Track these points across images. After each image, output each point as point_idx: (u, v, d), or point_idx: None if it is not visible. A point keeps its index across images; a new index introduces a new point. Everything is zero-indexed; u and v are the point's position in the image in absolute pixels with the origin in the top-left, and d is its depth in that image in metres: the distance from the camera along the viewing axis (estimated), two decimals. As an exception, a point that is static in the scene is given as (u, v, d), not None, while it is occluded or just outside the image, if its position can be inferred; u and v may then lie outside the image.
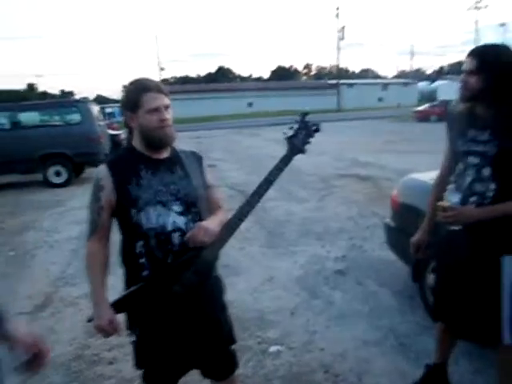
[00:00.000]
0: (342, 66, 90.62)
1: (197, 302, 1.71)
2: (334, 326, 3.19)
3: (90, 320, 1.66)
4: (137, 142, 1.71)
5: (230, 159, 12.56)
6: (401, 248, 3.45)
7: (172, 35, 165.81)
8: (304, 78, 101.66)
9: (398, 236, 3.54)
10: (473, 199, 1.85)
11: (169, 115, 1.66)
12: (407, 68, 73.27)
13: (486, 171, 1.83)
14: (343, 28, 43.96)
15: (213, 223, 1.68)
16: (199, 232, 1.62)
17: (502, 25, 52.63)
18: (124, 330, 1.73)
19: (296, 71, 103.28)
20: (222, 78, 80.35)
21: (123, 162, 1.71)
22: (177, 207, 1.67)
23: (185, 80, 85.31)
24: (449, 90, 34.94)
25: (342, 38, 44.46)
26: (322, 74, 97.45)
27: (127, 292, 1.67)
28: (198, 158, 1.84)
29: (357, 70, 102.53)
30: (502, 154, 1.79)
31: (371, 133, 18.97)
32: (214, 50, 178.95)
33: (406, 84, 57.80)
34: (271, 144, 13.91)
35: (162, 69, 56.29)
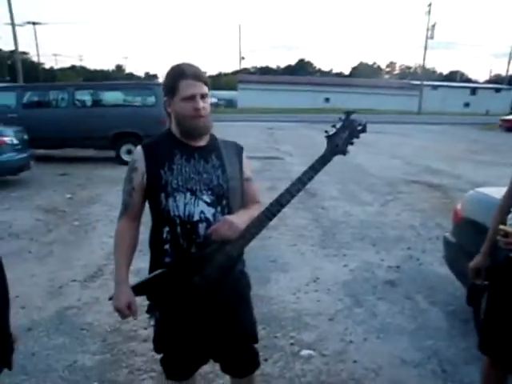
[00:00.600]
0: (428, 66, 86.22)
1: (217, 295, 1.66)
2: (372, 338, 3.01)
3: (110, 298, 1.68)
4: (174, 128, 1.68)
5: (298, 153, 12.42)
6: (458, 266, 3.17)
7: (255, 25, 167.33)
8: (386, 76, 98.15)
9: (456, 253, 3.27)
10: None
11: (205, 104, 1.61)
12: (503, 72, 67.75)
13: None
14: (434, 26, 41.55)
15: (240, 218, 1.61)
16: (223, 226, 1.56)
17: None
18: (144, 313, 1.73)
19: (379, 69, 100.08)
20: (301, 71, 79.79)
21: (159, 145, 1.68)
22: (207, 197, 1.63)
23: (264, 71, 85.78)
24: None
25: (431, 37, 42.05)
26: (405, 73, 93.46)
27: (148, 277, 1.66)
28: (238, 150, 1.78)
29: (445, 72, 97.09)
30: None
31: (451, 139, 17.86)
32: (295, 42, 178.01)
33: (498, 90, 53.78)
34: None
35: (242, 58, 57.08)
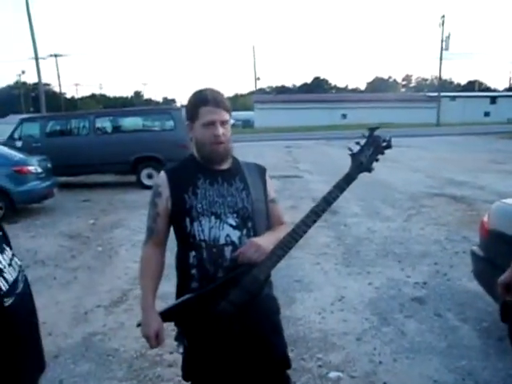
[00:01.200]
0: (445, 77, 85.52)
1: (245, 320, 1.62)
2: (402, 359, 2.92)
3: (139, 325, 1.67)
4: (196, 152, 1.70)
5: (317, 171, 12.38)
6: (488, 281, 3.06)
7: (269, 46, 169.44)
8: (403, 89, 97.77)
9: (485, 267, 3.17)
10: None
11: (224, 130, 1.61)
12: (522, 80, 66.76)
13: None
14: (448, 37, 41.36)
15: (267, 240, 1.60)
16: (250, 248, 1.55)
17: None
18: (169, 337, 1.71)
19: (395, 82, 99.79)
20: (317, 88, 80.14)
21: (182, 170, 1.69)
22: (232, 220, 1.61)
23: (280, 90, 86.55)
24: None
25: (446, 48, 41.83)
26: (422, 85, 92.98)
27: (175, 303, 1.65)
28: (261, 171, 1.78)
29: (463, 82, 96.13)
30: None
31: (472, 150, 17.54)
32: (310, 60, 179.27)
33: (518, 98, 52.85)
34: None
35: (258, 78, 57.80)
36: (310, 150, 19.89)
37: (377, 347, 3.07)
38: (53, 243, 6.02)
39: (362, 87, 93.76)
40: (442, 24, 41.46)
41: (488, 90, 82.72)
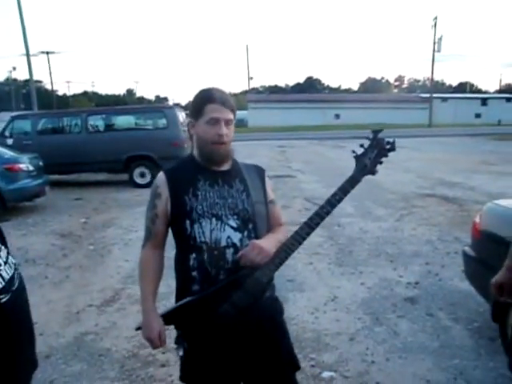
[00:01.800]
0: (437, 78, 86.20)
1: (247, 322, 1.60)
2: (395, 358, 2.93)
3: (138, 328, 1.65)
4: (196, 152, 1.67)
5: (310, 171, 12.42)
6: (480, 281, 3.09)
7: (262, 45, 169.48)
8: (395, 90, 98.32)
9: (477, 267, 3.19)
10: None
11: (227, 131, 1.60)
12: (512, 82, 67.45)
13: None
14: (440, 39, 41.57)
15: (269, 242, 1.58)
16: (253, 250, 1.52)
17: None
18: (172, 343, 1.69)
19: (387, 83, 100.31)
20: (310, 88, 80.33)
21: (181, 171, 1.67)
22: (232, 222, 1.59)
23: (273, 89, 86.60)
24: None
25: (438, 50, 42.04)
26: (414, 86, 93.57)
27: (176, 305, 1.63)
28: (260, 173, 1.76)
29: (454, 83, 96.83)
30: None
31: (463, 151, 17.68)
32: (303, 60, 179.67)
33: (509, 99, 53.40)
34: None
35: (251, 78, 57.76)
36: (302, 149, 19.92)
37: (369, 347, 3.08)
38: (44, 242, 5.97)
39: (355, 87, 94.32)
40: (435, 26, 41.70)
41: (479, 91, 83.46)
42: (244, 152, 16.24)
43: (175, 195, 1.60)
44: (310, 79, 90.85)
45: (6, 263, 1.40)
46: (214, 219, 1.58)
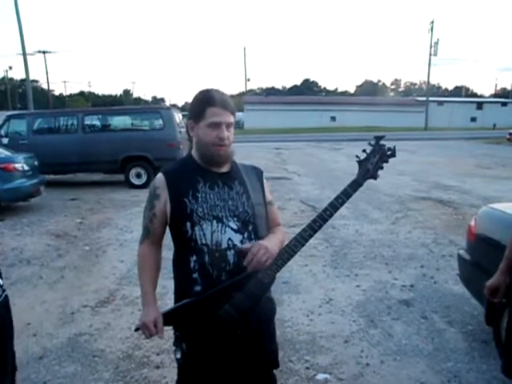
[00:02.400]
0: (433, 82, 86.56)
1: (246, 323, 1.62)
2: (389, 361, 2.94)
3: (137, 329, 1.66)
4: (195, 153, 1.67)
5: (306, 173, 12.44)
6: (474, 284, 3.11)
7: (259, 47, 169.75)
8: (392, 93, 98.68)
9: (472, 270, 3.21)
10: None
11: (228, 134, 1.60)
12: (508, 86, 67.82)
13: None
14: (436, 43, 41.81)
15: (273, 243, 1.59)
16: (259, 250, 1.52)
17: None
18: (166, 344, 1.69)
19: (384, 86, 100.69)
20: (307, 90, 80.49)
21: (181, 172, 1.66)
22: (233, 224, 1.60)
23: (270, 91, 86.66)
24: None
25: (434, 54, 42.27)
26: (411, 90, 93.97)
27: (177, 305, 1.63)
28: (258, 174, 1.77)
29: (450, 87, 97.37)
30: None
31: (459, 154, 17.78)
32: (300, 62, 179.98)
33: (504, 104, 53.71)
34: (350, 160, 13.55)
35: (248, 79, 57.81)
36: (299, 151, 19.95)
37: (364, 349, 3.09)
38: (39, 242, 5.94)
39: (352, 90, 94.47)
40: (431, 29, 41.94)
41: (475, 95, 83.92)
42: (240, 154, 16.18)
43: (175, 197, 1.60)
44: (306, 81, 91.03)
45: None
46: (214, 221, 1.59)
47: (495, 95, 76.42)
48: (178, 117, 10.77)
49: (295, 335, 3.31)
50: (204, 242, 1.58)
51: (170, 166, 1.72)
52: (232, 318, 1.58)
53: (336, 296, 4.03)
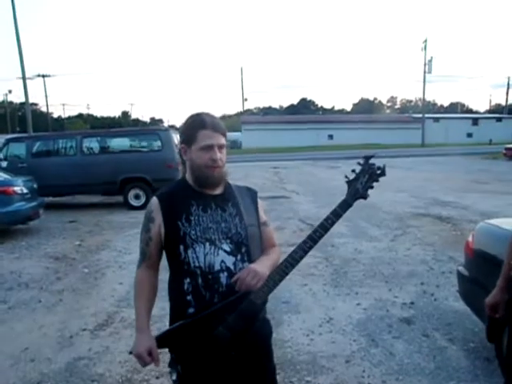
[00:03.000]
0: (429, 99, 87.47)
1: (240, 345, 1.62)
2: (391, 380, 2.91)
3: (131, 352, 1.64)
4: (189, 176, 1.70)
5: (304, 191, 12.47)
6: (474, 301, 3.10)
7: (256, 67, 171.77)
8: (388, 111, 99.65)
9: (471, 287, 3.20)
10: None
11: (221, 155, 1.63)
12: (502, 102, 68.60)
13: None
14: (430, 61, 42.46)
15: (263, 265, 1.60)
16: (247, 275, 1.54)
17: None
18: (166, 366, 1.68)
19: (380, 104, 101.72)
20: (304, 109, 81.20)
21: (175, 196, 1.68)
22: (226, 246, 1.62)
23: (267, 111, 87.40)
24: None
25: (429, 72, 42.89)
26: (407, 107, 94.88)
27: (171, 328, 1.64)
28: (252, 195, 1.79)
29: (445, 104, 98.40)
30: None
31: (456, 170, 17.87)
32: (296, 81, 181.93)
33: (499, 119, 54.24)
34: (349, 176, 13.33)
35: (245, 99, 58.36)
36: (296, 170, 20.03)
37: (366, 369, 3.06)
38: (38, 265, 5.91)
39: (348, 108, 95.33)
40: (425, 48, 42.63)
41: (470, 111, 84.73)
42: (239, 173, 16.31)
43: (168, 220, 1.62)
44: (303, 100, 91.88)
45: None
46: (207, 244, 1.60)
47: (490, 111, 77.20)
48: (177, 138, 10.84)
49: (295, 355, 3.28)
50: (197, 264, 1.59)
51: (164, 190, 1.74)
52: (225, 339, 1.58)
53: (336, 315, 4.00)
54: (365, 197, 1.59)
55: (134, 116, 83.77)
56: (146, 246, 1.68)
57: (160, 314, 3.34)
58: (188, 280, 1.60)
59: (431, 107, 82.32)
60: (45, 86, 69.58)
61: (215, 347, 1.59)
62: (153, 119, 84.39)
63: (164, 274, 1.73)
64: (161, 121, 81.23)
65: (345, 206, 1.58)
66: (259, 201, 1.80)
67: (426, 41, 42.69)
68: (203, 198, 1.65)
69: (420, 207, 9.38)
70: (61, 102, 73.44)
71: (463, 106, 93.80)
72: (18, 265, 5.93)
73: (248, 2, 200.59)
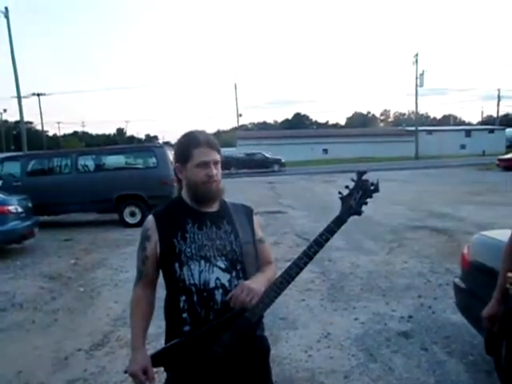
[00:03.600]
0: (422, 111, 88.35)
1: (236, 364, 1.60)
2: (391, 396, 2.88)
3: (126, 371, 1.63)
4: (185, 194, 1.71)
5: (300, 206, 12.48)
6: (471, 313, 3.09)
7: (250, 83, 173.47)
8: (381, 124, 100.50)
9: (468, 299, 3.20)
10: None
11: (217, 171, 1.64)
12: (494, 113, 69.46)
13: None
14: (422, 75, 43.01)
15: (258, 282, 1.60)
16: (242, 292, 1.54)
17: None
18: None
19: (373, 117, 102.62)
20: (298, 124, 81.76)
21: (170, 213, 1.69)
22: (221, 263, 1.62)
23: (262, 126, 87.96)
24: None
25: (420, 85, 43.42)
26: (400, 120, 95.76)
27: (166, 346, 1.62)
28: (248, 212, 1.79)
29: (438, 116, 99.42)
30: None
31: (450, 182, 17.96)
32: (291, 97, 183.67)
33: (491, 131, 54.80)
34: (343, 192, 13.39)
35: (240, 115, 58.68)
36: (292, 185, 20.07)
37: (365, 385, 3.03)
38: (32, 285, 5.86)
39: (342, 122, 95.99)
40: (416, 62, 43.21)
41: (462, 123, 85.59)
42: (234, 189, 16.31)
43: (164, 238, 1.63)
44: (298, 115, 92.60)
45: None
46: (202, 261, 1.61)
47: (482, 123, 78.05)
48: (172, 154, 10.86)
49: (294, 372, 3.25)
50: (192, 281, 1.59)
51: (160, 208, 1.76)
52: (221, 357, 1.57)
53: (334, 330, 3.97)
54: (359, 213, 1.61)
55: (129, 133, 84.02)
56: (143, 265, 1.68)
57: (157, 333, 3.30)
58: (183, 298, 1.60)
59: (424, 120, 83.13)
60: (40, 104, 69.59)
61: (210, 365, 1.57)
62: (148, 136, 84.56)
63: (161, 291, 1.72)
64: (156, 137, 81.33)
65: (339, 222, 1.59)
66: (255, 217, 1.81)
67: (417, 55, 43.31)
68: (199, 216, 1.66)
69: (416, 219, 9.40)
70: (56, 120, 73.84)
71: (456, 118, 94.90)
72: (12, 285, 5.87)
73: (242, 18, 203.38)
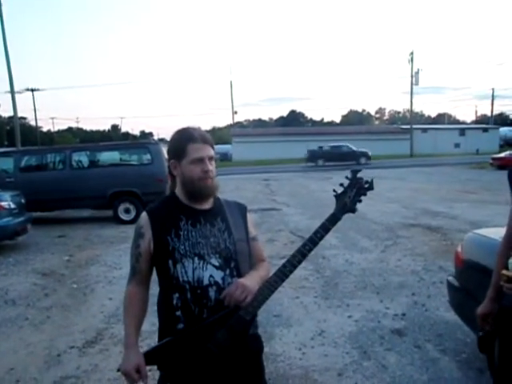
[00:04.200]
0: (417, 110, 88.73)
1: (230, 362, 1.60)
2: (384, 394, 2.89)
3: (119, 370, 1.62)
4: (179, 191, 1.69)
5: (295, 203, 12.48)
6: (464, 311, 3.11)
7: (245, 80, 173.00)
8: (376, 122, 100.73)
9: (461, 297, 3.21)
10: None
11: (212, 167, 1.64)
12: (488, 112, 69.77)
13: None
14: (417, 73, 43.15)
15: (252, 280, 1.60)
16: (236, 289, 1.54)
17: None
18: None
19: (368, 115, 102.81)
20: (293, 121, 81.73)
21: (164, 211, 1.68)
22: (215, 260, 1.61)
23: (257, 123, 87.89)
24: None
25: (416, 83, 43.58)
26: (395, 118, 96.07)
27: (159, 344, 1.62)
28: (241, 210, 1.79)
29: (433, 115, 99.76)
30: None
31: (445, 180, 18.04)
32: (286, 94, 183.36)
33: (485, 129, 55.05)
34: (338, 189, 13.36)
35: (235, 112, 58.60)
36: (287, 182, 20.07)
37: (358, 382, 3.03)
38: (25, 281, 5.82)
39: (338, 120, 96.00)
40: (411, 60, 43.29)
41: (457, 122, 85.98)
42: (229, 186, 16.31)
43: (158, 235, 1.62)
44: (293, 113, 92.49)
45: None
46: (196, 258, 1.60)
47: (476, 121, 78.38)
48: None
49: (288, 370, 3.25)
50: (186, 279, 1.59)
51: (153, 205, 1.75)
52: (215, 355, 1.56)
53: (328, 327, 3.98)
54: (353, 211, 1.61)
55: (123, 129, 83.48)
56: (136, 262, 1.67)
57: (151, 330, 3.28)
58: (177, 295, 1.60)
59: (419, 118, 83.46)
60: (34, 100, 69.25)
61: (204, 363, 1.57)
62: (143, 132, 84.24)
63: (155, 288, 1.71)
64: (151, 134, 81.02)
65: (333, 219, 1.59)
66: (249, 215, 1.80)
67: (412, 53, 43.38)
68: (192, 213, 1.65)
69: (410, 217, 9.43)
70: (50, 116, 73.26)
71: (450, 116, 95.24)
72: (5, 281, 5.83)
73: (238, 15, 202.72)
